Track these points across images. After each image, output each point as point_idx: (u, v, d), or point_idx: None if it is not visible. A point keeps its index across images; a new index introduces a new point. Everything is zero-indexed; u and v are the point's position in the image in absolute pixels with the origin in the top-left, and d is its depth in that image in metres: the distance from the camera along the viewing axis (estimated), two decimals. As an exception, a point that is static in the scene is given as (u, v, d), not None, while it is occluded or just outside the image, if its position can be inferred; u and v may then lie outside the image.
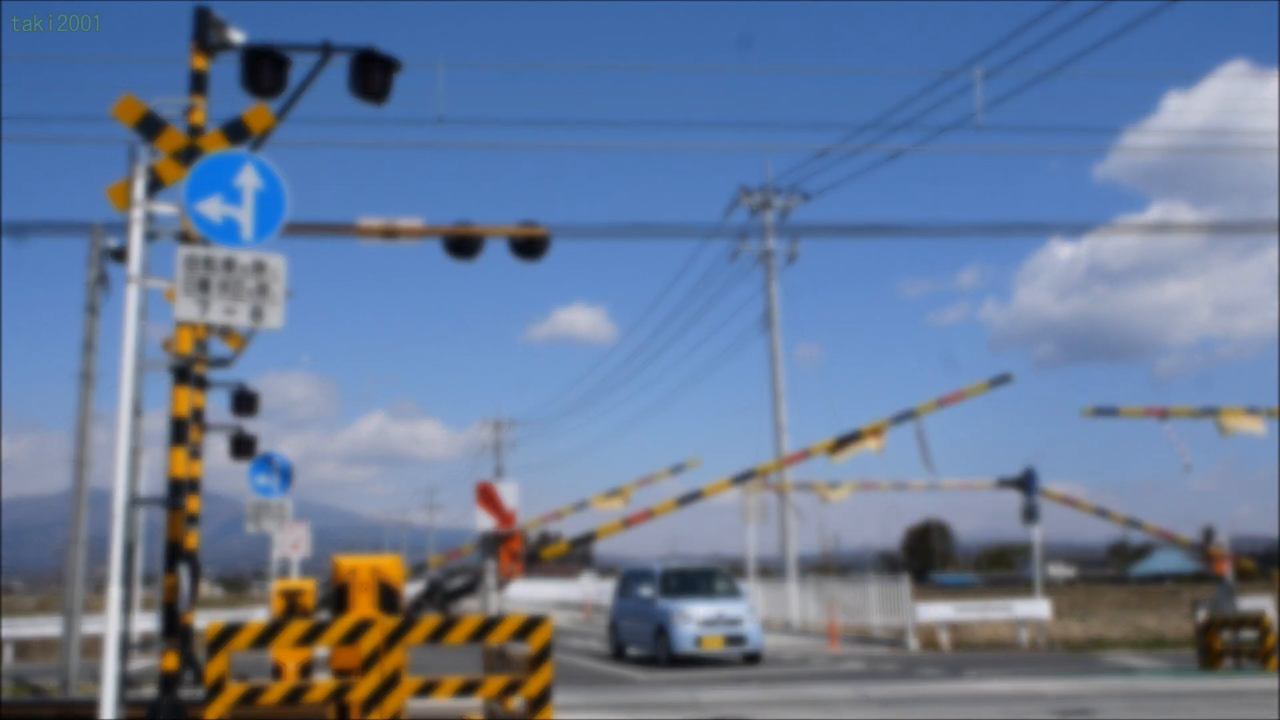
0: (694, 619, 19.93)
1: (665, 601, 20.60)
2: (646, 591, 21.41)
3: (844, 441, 10.06)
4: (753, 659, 20.34)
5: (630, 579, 23.00)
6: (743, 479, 10.63)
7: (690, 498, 11.52)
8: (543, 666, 6.64)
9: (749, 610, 20.84)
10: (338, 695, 6.55)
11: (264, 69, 7.99)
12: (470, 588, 9.12)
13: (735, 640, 19.99)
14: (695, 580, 21.75)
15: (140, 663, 19.31)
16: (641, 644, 21.43)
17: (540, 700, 6.62)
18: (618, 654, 22.51)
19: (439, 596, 8.86)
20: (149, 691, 11.87)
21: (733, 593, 21.56)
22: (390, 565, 7.62)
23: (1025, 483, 20.63)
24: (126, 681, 7.56)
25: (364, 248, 13.20)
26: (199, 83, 7.80)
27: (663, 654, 20.16)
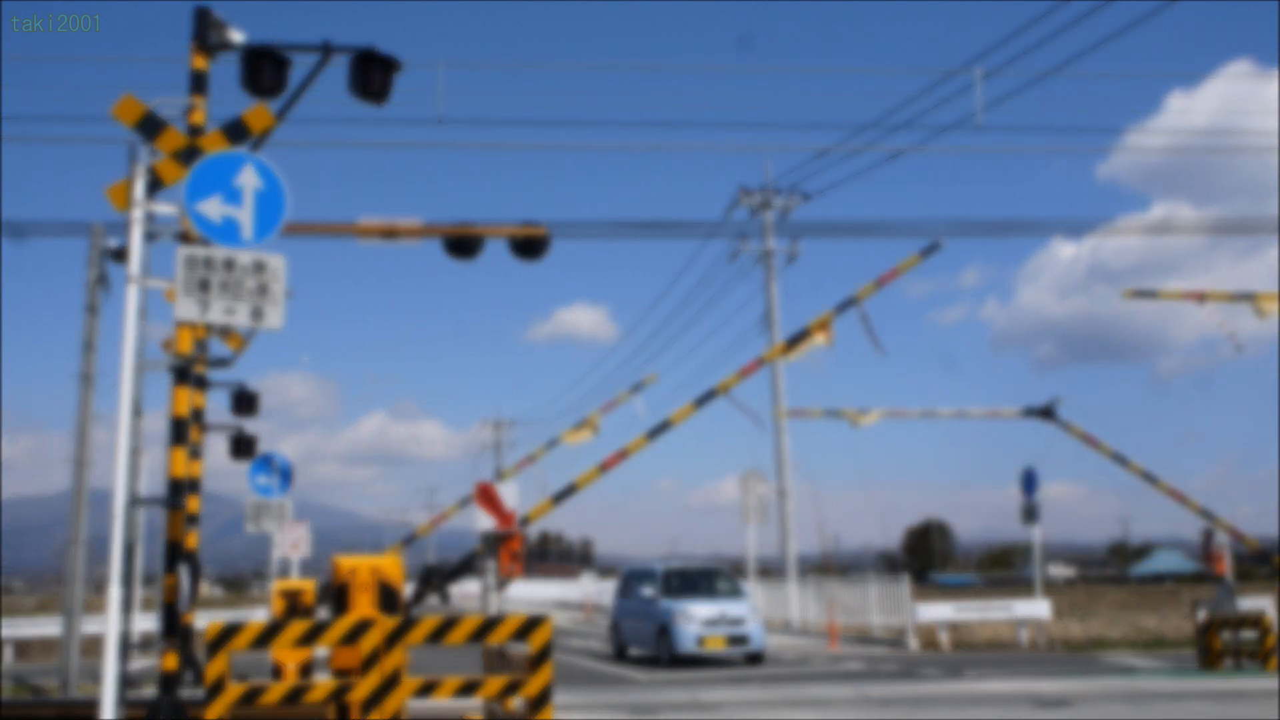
0: (696, 619, 19.86)
1: (667, 601, 20.51)
2: (648, 591, 21.32)
3: (794, 341, 10.04)
4: (755, 659, 20.30)
5: (631, 579, 22.91)
6: (704, 399, 10.30)
7: (659, 429, 11.36)
8: (543, 666, 6.64)
9: (751, 610, 20.76)
10: (338, 695, 6.55)
11: (264, 69, 7.99)
12: (467, 567, 9.14)
13: (738, 640, 19.92)
14: (697, 580, 21.68)
15: (140, 663, 19.31)
16: (643, 644, 21.33)
17: (540, 700, 6.62)
18: (619, 654, 22.43)
19: (437, 581, 8.87)
20: (149, 691, 11.87)
21: (735, 593, 21.47)
22: (390, 565, 7.62)
23: (1050, 412, 20.51)
24: (126, 681, 7.56)
25: (364, 248, 13.21)
26: (199, 83, 7.80)
27: (665, 654, 20.09)
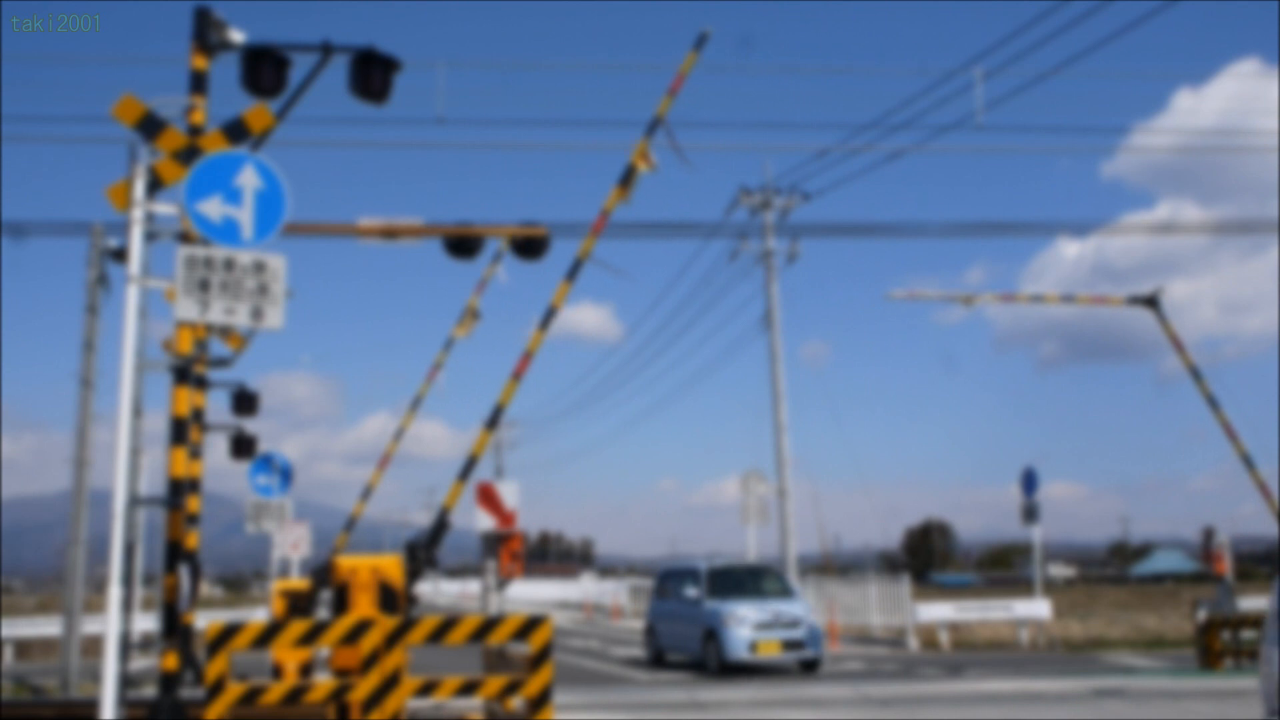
0: (748, 622, 18.04)
1: (714, 603, 18.66)
2: (691, 592, 19.48)
3: (625, 181, 9.98)
4: (811, 666, 18.41)
5: (670, 578, 21.22)
6: (574, 270, 9.68)
7: (547, 317, 11.13)
8: (543, 666, 6.64)
9: (806, 611, 18.88)
10: (338, 695, 6.55)
11: (264, 69, 7.99)
12: (442, 525, 9.16)
13: (793, 645, 18.05)
14: (744, 579, 19.82)
15: (140, 663, 19.32)
16: (685, 649, 19.59)
17: (540, 700, 6.62)
18: (656, 660, 20.74)
19: (422, 553, 8.87)
20: (149, 691, 11.87)
21: (786, 592, 19.60)
22: (390, 565, 7.63)
23: (1154, 301, 20.36)
24: (126, 681, 7.56)
25: (364, 247, 13.21)
26: (199, 83, 7.80)
27: (712, 661, 18.38)
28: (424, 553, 8.86)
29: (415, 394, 13.88)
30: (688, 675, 18.36)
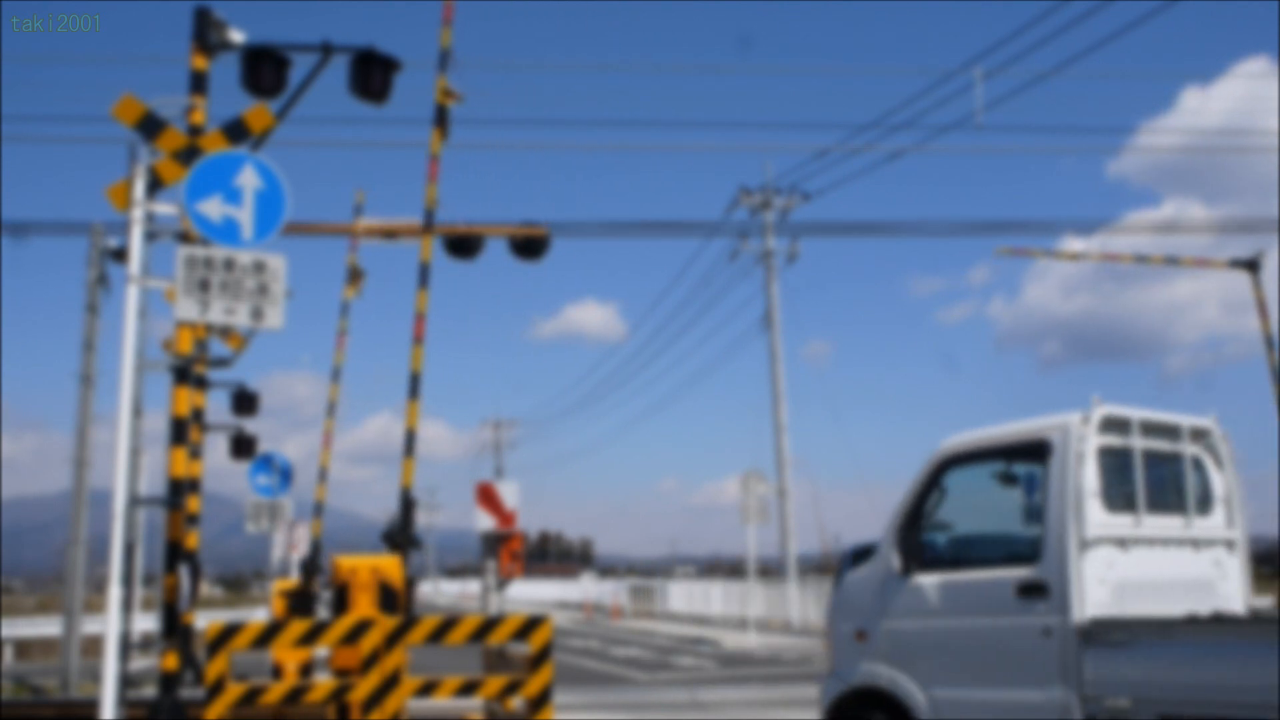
0: None
1: None
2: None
3: (439, 122, 10.00)
4: None
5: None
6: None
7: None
8: (543, 666, 6.63)
9: None
10: (338, 695, 6.55)
11: (264, 69, 7.98)
12: (408, 509, 9.17)
13: None
14: None
15: (140, 663, 19.31)
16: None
17: (540, 700, 6.61)
18: None
19: (401, 539, 8.89)
20: (149, 691, 11.88)
21: None
22: (390, 565, 7.62)
23: (1255, 265, 20.45)
24: (126, 681, 7.56)
25: (364, 248, 13.22)
26: (199, 83, 7.79)
27: None
28: (401, 537, 8.87)
29: (332, 365, 13.71)
30: (688, 675, 18.37)
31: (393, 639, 6.53)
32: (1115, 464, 6.89)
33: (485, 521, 19.48)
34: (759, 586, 31.09)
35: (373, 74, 8.28)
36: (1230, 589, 7.37)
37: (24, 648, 28.62)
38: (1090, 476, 6.63)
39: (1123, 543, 6.78)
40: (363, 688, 6.46)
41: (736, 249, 27.93)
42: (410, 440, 9.35)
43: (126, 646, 7.79)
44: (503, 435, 58.98)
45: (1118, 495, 6.87)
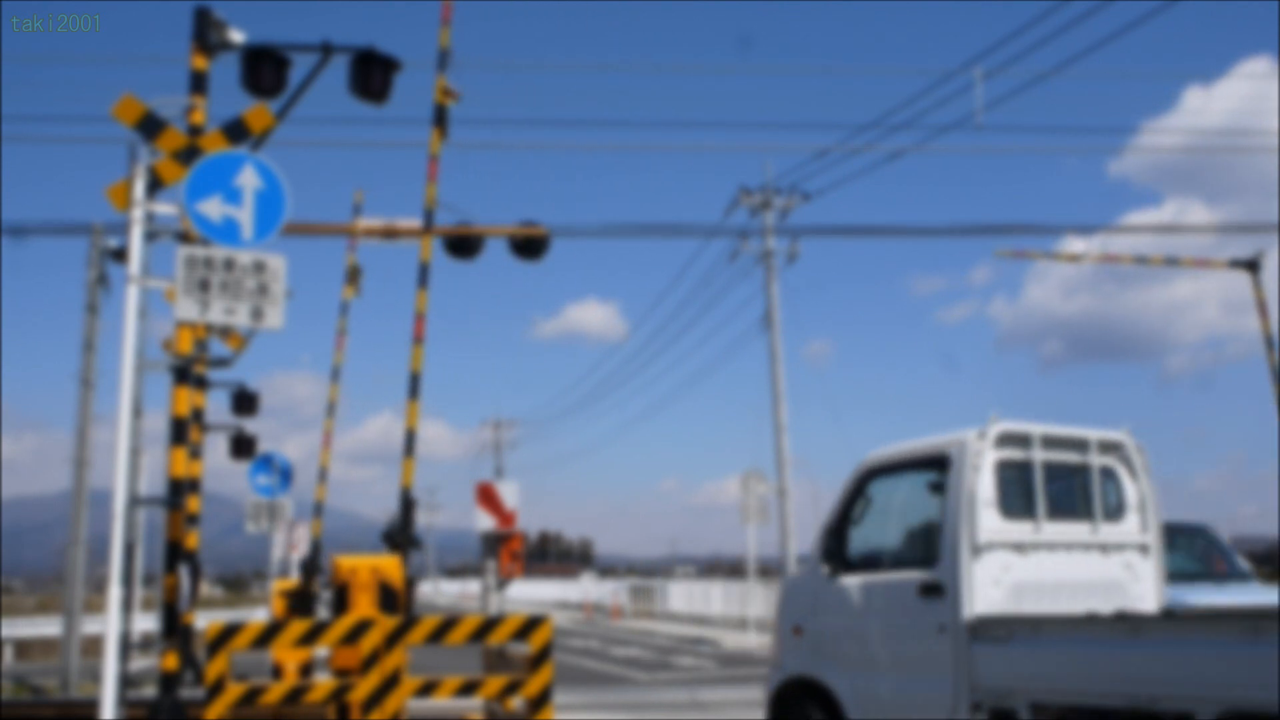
0: None
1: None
2: None
3: (438, 122, 9.98)
4: None
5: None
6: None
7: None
8: (543, 666, 6.64)
9: None
10: (338, 695, 6.55)
11: (264, 69, 7.98)
12: (408, 508, 9.19)
13: None
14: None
15: (140, 663, 19.31)
16: None
17: (540, 700, 6.61)
18: None
19: (402, 539, 8.90)
20: (149, 691, 11.88)
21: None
22: (390, 565, 7.63)
23: (1254, 265, 20.62)
24: (126, 681, 7.56)
25: (364, 248, 13.22)
26: (199, 83, 7.79)
27: None
28: (401, 537, 8.89)
29: (332, 365, 13.70)
30: (688, 675, 18.37)
31: (393, 639, 6.53)
32: (1016, 475, 7.46)
33: (485, 521, 19.49)
34: (759, 586, 31.09)
35: (373, 74, 8.28)
36: (1143, 590, 7.89)
37: (24, 648, 28.62)
38: (985, 487, 7.21)
39: (1020, 547, 7.35)
40: (363, 688, 6.46)
41: (736, 249, 27.94)
42: (410, 440, 9.35)
43: (126, 646, 7.78)
44: (503, 435, 58.93)
45: (1017, 504, 7.41)
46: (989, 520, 7.19)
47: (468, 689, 6.83)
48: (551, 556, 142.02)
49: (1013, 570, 7.23)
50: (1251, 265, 20.41)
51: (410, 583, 8.27)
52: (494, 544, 19.70)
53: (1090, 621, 6.63)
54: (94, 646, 19.00)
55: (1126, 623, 6.32)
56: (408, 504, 9.18)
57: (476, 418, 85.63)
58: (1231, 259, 20.69)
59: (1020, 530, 7.37)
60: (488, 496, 19.61)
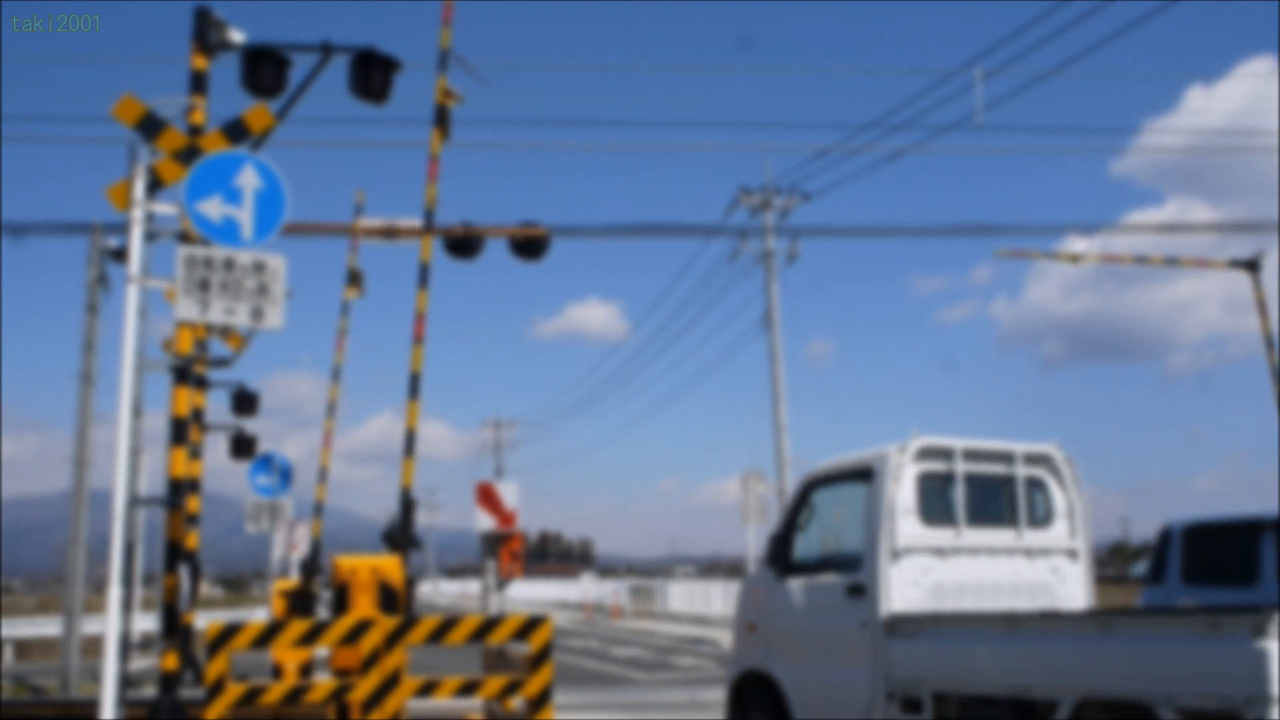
0: None
1: None
2: None
3: (439, 122, 10.00)
4: None
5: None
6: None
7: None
8: (543, 666, 6.63)
9: None
10: (338, 695, 6.55)
11: (264, 69, 7.97)
12: (408, 508, 9.22)
13: None
14: None
15: (140, 663, 19.32)
16: None
17: (540, 700, 6.61)
18: None
19: (402, 539, 8.92)
20: (149, 691, 11.87)
21: None
22: (390, 565, 7.62)
23: (1255, 265, 20.72)
24: (126, 681, 7.55)
25: (364, 248, 13.21)
26: (199, 83, 7.79)
27: None
28: (401, 537, 8.90)
29: (332, 365, 13.68)
30: (688, 675, 18.36)
31: (393, 639, 6.53)
32: (939, 486, 8.07)
33: (485, 521, 19.49)
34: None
35: (373, 74, 8.27)
36: (1070, 591, 8.44)
37: (24, 648, 28.62)
38: (905, 496, 7.85)
39: (941, 552, 7.96)
40: (363, 688, 6.46)
41: (736, 249, 27.92)
42: (410, 440, 9.35)
43: (126, 646, 7.78)
44: (503, 435, 58.92)
45: (939, 512, 8.02)
46: (908, 527, 7.81)
47: (468, 689, 6.83)
48: (551, 556, 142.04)
49: (932, 573, 7.87)
50: (1251, 265, 20.44)
51: (410, 583, 8.27)
52: (494, 544, 19.70)
53: (978, 618, 7.30)
54: (94, 646, 19.00)
55: (1005, 619, 6.96)
56: (408, 504, 9.18)
57: (477, 418, 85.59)
58: (1231, 259, 20.72)
59: (941, 536, 7.95)
60: (488, 496, 19.61)
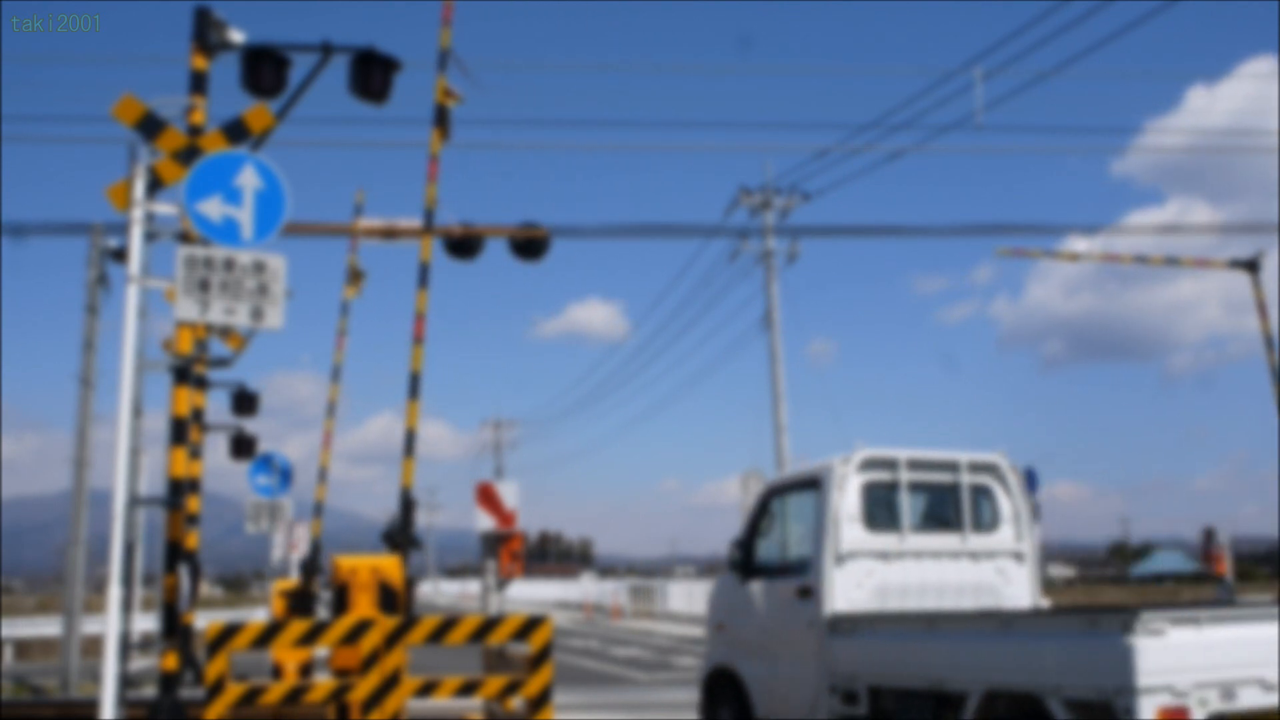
0: None
1: None
2: None
3: (439, 122, 9.99)
4: None
5: None
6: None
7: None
8: (543, 666, 6.63)
9: None
10: (338, 695, 6.55)
11: (264, 69, 7.97)
12: (408, 508, 9.25)
13: None
14: None
15: (140, 663, 19.31)
16: None
17: (540, 700, 6.61)
18: None
19: (401, 539, 8.93)
20: (149, 691, 11.87)
21: None
22: (390, 565, 7.62)
23: (1254, 265, 20.70)
24: (126, 681, 7.55)
25: (364, 248, 13.20)
26: (199, 83, 7.79)
27: None
28: (401, 537, 8.91)
29: (332, 365, 13.66)
30: (688, 675, 18.37)
31: (393, 639, 6.53)
32: (884, 494, 8.58)
33: (485, 521, 19.49)
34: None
35: (373, 74, 8.27)
36: (1016, 592, 8.92)
37: (24, 648, 28.62)
38: (850, 504, 8.38)
39: (885, 555, 8.47)
40: (363, 688, 6.46)
41: (736, 249, 27.89)
42: (410, 440, 9.35)
43: (126, 646, 7.78)
44: (503, 435, 58.89)
45: (883, 518, 8.54)
46: (852, 533, 8.34)
47: (468, 689, 6.83)
48: (551, 556, 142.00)
49: (876, 575, 8.41)
50: (1251, 265, 20.47)
51: (410, 583, 8.27)
52: (494, 544, 19.71)
53: (903, 618, 7.84)
54: (94, 646, 18.99)
55: (924, 619, 7.55)
56: (408, 504, 9.18)
57: (477, 418, 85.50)
58: (1231, 259, 20.75)
59: (885, 541, 8.47)
60: (488, 496, 19.61)
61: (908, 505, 8.58)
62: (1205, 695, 5.75)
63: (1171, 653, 5.73)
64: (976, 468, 8.89)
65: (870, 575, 8.38)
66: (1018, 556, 8.97)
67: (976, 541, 8.81)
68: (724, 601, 9.66)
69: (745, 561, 9.25)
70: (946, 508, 8.86)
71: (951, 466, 8.82)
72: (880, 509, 8.55)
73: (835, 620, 8.07)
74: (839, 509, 8.31)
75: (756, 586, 9.09)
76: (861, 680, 7.71)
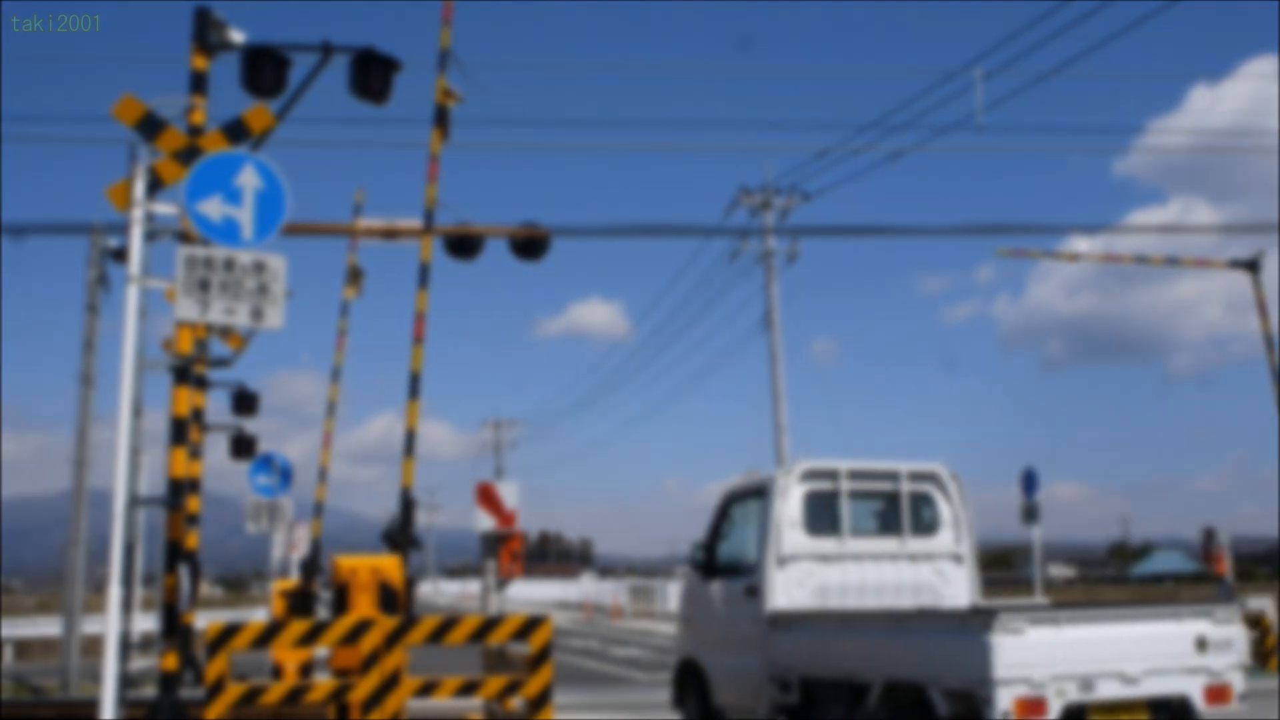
0: None
1: None
2: None
3: (439, 122, 9.95)
4: None
5: None
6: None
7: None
8: (543, 666, 6.64)
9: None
10: (338, 695, 6.55)
11: (264, 69, 7.97)
12: (408, 507, 9.28)
13: None
14: None
15: (140, 663, 19.30)
16: None
17: (540, 700, 6.61)
18: None
19: (401, 539, 8.95)
20: (149, 691, 11.87)
21: None
22: (390, 565, 7.62)
23: (1255, 265, 20.81)
24: (126, 681, 7.55)
25: (364, 247, 13.20)
26: (199, 83, 7.79)
27: None
28: (401, 537, 8.93)
29: (332, 365, 13.65)
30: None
31: (393, 639, 6.53)
32: (827, 501, 9.28)
33: (485, 521, 19.50)
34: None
35: (373, 74, 8.27)
36: (955, 591, 9.55)
37: (24, 648, 28.60)
38: (792, 511, 9.09)
39: (825, 558, 9.15)
40: (363, 688, 6.46)
41: (736, 249, 27.88)
42: (410, 440, 9.36)
43: (126, 646, 7.78)
44: (503, 435, 58.87)
45: (824, 524, 9.23)
46: (794, 537, 9.04)
47: (468, 689, 6.83)
48: (551, 557, 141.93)
49: (816, 576, 9.10)
50: (1251, 265, 20.48)
51: (410, 583, 8.28)
52: (494, 544, 19.72)
53: (827, 615, 8.58)
54: (94, 646, 18.97)
55: (841, 616, 8.38)
56: (408, 504, 9.19)
57: (477, 418, 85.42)
58: (1231, 259, 20.76)
59: (825, 545, 9.16)
60: (488, 497, 19.62)
61: (848, 512, 9.28)
62: (1063, 686, 6.50)
63: (1029, 649, 6.46)
64: (917, 476, 9.59)
65: (811, 576, 9.11)
66: (956, 558, 9.63)
67: (916, 545, 9.48)
68: (689, 599, 10.42)
69: (707, 562, 9.94)
70: (888, 513, 9.56)
71: (892, 476, 9.51)
72: (822, 515, 9.25)
73: (774, 617, 8.82)
74: (781, 516, 9.03)
75: (716, 585, 9.82)
76: (795, 671, 8.49)
